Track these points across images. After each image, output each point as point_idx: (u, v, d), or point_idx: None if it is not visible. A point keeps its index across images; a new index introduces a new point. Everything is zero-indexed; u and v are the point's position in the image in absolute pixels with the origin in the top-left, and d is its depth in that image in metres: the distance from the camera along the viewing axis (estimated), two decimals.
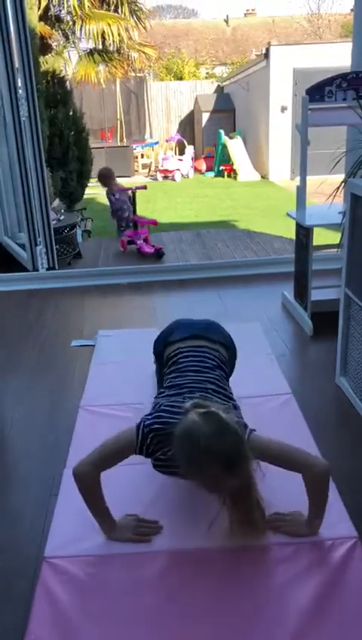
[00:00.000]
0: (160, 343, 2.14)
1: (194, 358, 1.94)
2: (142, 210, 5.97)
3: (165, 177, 11.87)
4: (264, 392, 2.44)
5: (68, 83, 7.88)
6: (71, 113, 7.50)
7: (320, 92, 3.18)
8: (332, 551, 1.62)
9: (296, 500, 1.69)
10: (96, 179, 6.33)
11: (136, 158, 12.91)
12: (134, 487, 1.87)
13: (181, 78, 17.16)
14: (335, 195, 3.04)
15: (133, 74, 11.97)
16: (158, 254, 5.44)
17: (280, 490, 1.72)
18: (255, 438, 1.59)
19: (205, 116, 13.44)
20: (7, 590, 1.61)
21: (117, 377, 2.68)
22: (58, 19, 9.54)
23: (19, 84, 4.21)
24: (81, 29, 9.59)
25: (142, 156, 13.09)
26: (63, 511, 1.83)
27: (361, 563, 1.58)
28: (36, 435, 2.38)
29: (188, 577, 1.57)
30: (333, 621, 1.42)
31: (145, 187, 6.11)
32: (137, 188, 5.99)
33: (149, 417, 1.67)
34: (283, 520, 1.70)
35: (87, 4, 9.14)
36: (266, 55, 10.93)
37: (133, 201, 5.92)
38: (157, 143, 13.51)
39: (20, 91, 4.20)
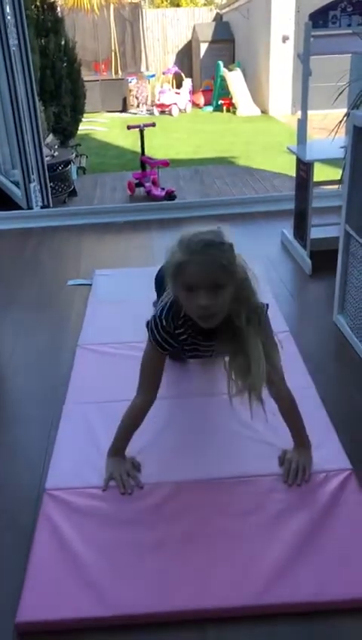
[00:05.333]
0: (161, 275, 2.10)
1: None
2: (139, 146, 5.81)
3: (162, 112, 11.49)
4: None
5: (59, 10, 7.48)
6: (63, 43, 7.16)
7: (323, 17, 3.04)
8: (326, 482, 1.67)
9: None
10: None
11: (132, 91, 12.46)
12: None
13: (178, 5, 16.33)
14: (337, 130, 2.95)
15: (127, 0, 11.37)
16: (170, 197, 5.22)
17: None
18: (268, 320, 1.66)
19: (203, 47, 12.86)
20: (11, 520, 1.66)
21: (115, 316, 2.68)
22: None
23: (8, 11, 4.01)
24: None
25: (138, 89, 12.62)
26: (63, 446, 1.87)
27: (354, 494, 1.62)
28: (35, 373, 2.40)
29: (186, 508, 1.62)
30: (324, 551, 1.47)
31: (153, 124, 5.85)
32: (145, 125, 5.74)
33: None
34: (296, 470, 1.70)
35: None
36: None
37: (141, 139, 5.69)
38: (153, 75, 12.99)
39: (9, 17, 4.01)
